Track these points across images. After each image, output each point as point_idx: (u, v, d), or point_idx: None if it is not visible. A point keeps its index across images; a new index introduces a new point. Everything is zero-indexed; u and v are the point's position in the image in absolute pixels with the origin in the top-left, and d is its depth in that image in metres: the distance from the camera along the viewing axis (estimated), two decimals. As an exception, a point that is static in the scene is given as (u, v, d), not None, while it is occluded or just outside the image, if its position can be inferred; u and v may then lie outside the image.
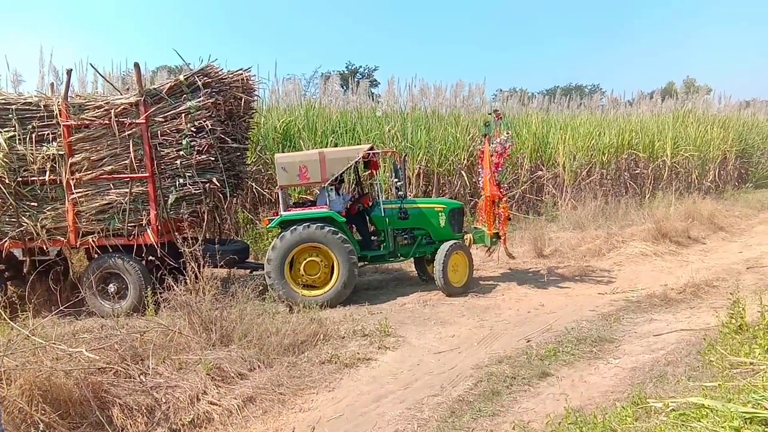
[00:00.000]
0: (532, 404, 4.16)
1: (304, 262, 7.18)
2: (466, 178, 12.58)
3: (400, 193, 7.70)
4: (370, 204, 8.00)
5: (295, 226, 7.08)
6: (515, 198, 13.43)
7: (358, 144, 10.91)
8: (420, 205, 7.96)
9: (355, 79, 16.36)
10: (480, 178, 8.15)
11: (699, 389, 3.69)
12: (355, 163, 7.91)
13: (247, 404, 4.29)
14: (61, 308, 5.19)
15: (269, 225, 7.56)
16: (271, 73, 16.36)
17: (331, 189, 7.56)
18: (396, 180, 7.69)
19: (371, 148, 7.75)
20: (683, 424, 3.11)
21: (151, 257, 7.30)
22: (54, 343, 4.24)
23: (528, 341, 5.58)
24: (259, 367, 4.85)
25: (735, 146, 18.12)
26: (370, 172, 8.18)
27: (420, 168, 12.29)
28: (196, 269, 5.68)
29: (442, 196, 12.32)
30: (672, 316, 6.20)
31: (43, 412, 3.59)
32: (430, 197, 11.84)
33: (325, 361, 5.13)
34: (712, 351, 4.54)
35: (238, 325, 5.38)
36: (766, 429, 2.89)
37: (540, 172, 14.19)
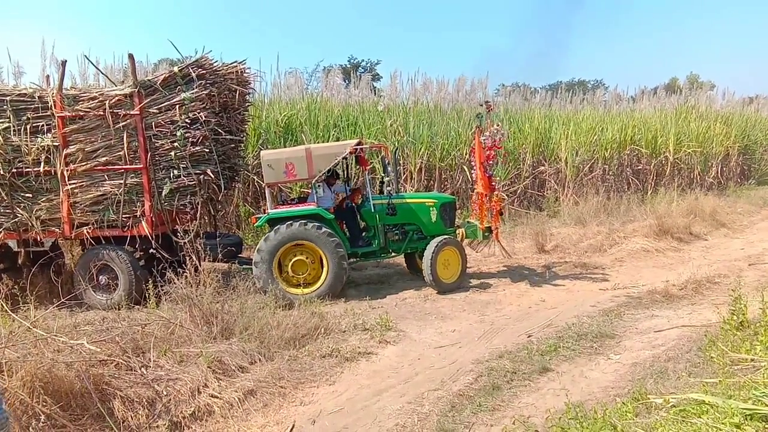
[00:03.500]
0: (533, 399, 4.17)
1: (292, 260, 7.08)
2: (467, 172, 12.56)
3: (388, 188, 7.55)
4: (360, 200, 7.87)
5: (289, 222, 6.97)
6: (517, 193, 13.42)
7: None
8: (410, 200, 7.81)
9: (358, 73, 16.32)
10: (473, 172, 8.08)
11: (699, 385, 3.69)
12: (345, 158, 7.80)
13: (248, 397, 4.30)
14: (63, 300, 5.20)
15: (256, 223, 7.51)
16: (273, 66, 16.23)
17: (319, 186, 7.46)
18: (384, 174, 7.60)
19: (359, 143, 7.65)
20: (683, 420, 3.12)
21: (151, 250, 7.29)
22: (55, 335, 4.27)
23: (529, 336, 5.58)
24: (260, 360, 4.86)
25: (738, 143, 18.06)
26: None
27: (422, 162, 12.28)
28: (196, 262, 5.68)
29: (444, 191, 12.31)
30: (673, 313, 6.19)
31: (44, 403, 3.60)
32: (432, 192, 11.83)
33: (325, 355, 5.14)
34: (713, 347, 4.54)
35: (239, 318, 5.39)
36: (766, 426, 2.89)
37: (542, 168, 14.17)
